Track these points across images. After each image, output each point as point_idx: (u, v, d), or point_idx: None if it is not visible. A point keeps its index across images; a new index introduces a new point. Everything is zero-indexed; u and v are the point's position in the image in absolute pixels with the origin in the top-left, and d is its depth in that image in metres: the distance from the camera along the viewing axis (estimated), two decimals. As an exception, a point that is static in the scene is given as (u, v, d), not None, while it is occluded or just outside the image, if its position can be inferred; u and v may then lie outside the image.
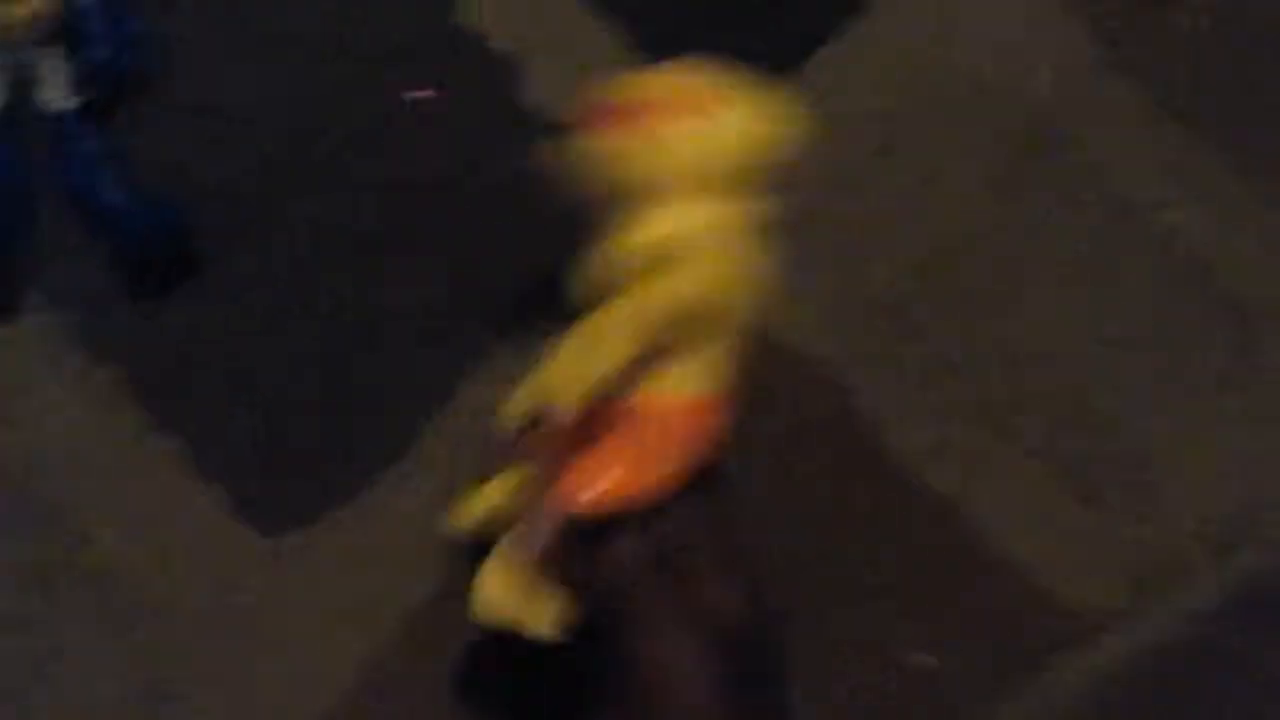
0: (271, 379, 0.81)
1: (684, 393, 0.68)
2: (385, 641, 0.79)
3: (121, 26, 0.81)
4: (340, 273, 0.82)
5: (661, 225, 0.67)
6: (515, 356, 0.80)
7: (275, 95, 0.84)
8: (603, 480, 0.67)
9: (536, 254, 0.82)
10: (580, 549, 0.65)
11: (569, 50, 0.85)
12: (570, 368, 0.67)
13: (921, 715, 0.79)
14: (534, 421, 0.71)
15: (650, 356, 0.67)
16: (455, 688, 0.78)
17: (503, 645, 0.71)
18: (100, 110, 0.81)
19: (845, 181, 0.84)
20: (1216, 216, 0.84)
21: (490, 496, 0.74)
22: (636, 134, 0.67)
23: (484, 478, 0.75)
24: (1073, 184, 0.85)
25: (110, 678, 0.78)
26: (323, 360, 0.81)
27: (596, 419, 0.68)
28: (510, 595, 0.68)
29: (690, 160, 0.67)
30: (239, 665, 0.79)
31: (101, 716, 0.78)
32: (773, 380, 0.81)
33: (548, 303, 0.74)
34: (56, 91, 0.80)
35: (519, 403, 0.72)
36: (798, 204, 0.83)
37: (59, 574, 0.78)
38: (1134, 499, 0.81)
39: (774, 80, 0.83)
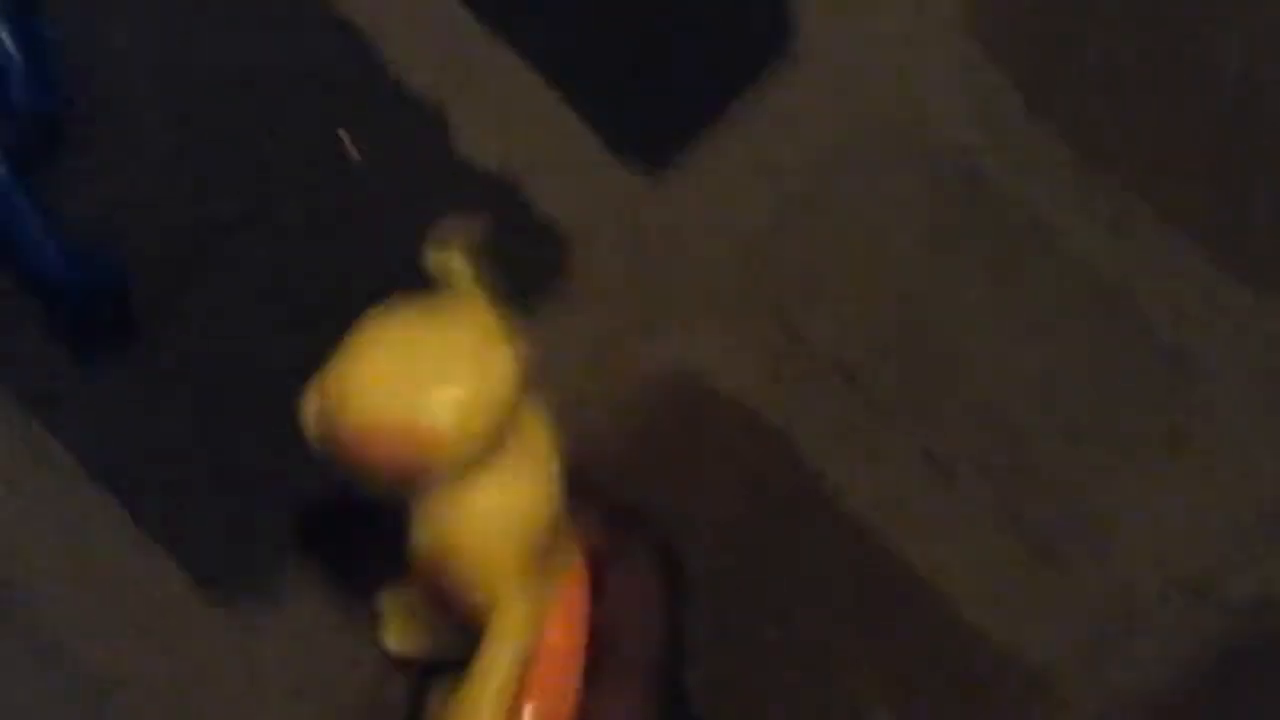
0: (224, 444, 0.80)
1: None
2: (346, 714, 0.78)
3: (40, 74, 0.80)
4: (287, 329, 0.81)
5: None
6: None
7: (203, 144, 0.83)
8: None
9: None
10: None
11: (492, 95, 0.85)
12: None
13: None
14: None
15: None
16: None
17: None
18: (22, 159, 0.79)
19: (779, 229, 0.84)
20: (1153, 268, 0.84)
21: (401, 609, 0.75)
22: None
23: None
24: (1008, 235, 0.84)
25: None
26: (275, 422, 0.79)
27: None
28: None
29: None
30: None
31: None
32: (717, 441, 0.81)
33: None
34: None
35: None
36: (732, 255, 0.83)
37: (12, 649, 0.77)
38: (1091, 558, 0.81)
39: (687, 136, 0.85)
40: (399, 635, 0.74)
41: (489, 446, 0.63)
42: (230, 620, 0.78)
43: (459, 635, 0.71)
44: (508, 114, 0.85)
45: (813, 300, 0.83)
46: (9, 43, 0.79)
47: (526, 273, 0.81)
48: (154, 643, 0.78)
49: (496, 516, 0.64)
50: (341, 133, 0.83)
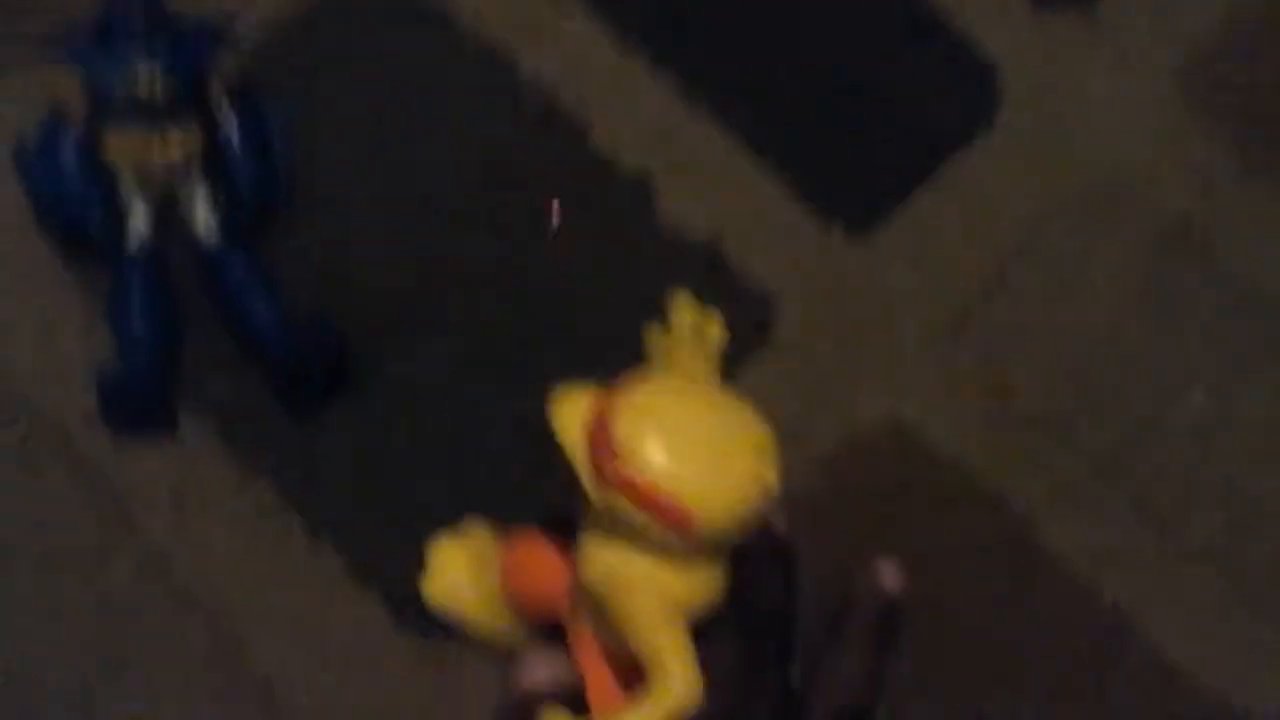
0: (431, 487, 0.81)
1: None
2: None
3: (266, 160, 0.84)
4: (493, 382, 0.83)
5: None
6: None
7: (420, 219, 0.86)
8: None
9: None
10: None
11: (697, 168, 0.87)
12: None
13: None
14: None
15: None
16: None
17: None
18: (244, 239, 0.83)
19: (987, 288, 0.85)
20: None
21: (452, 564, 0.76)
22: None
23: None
24: (1215, 288, 0.85)
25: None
26: (483, 469, 0.81)
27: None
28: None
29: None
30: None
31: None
32: (927, 491, 0.81)
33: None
34: (203, 223, 0.82)
35: None
36: (941, 312, 0.84)
37: (222, 681, 0.78)
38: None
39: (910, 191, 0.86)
40: (441, 588, 0.76)
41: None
42: (426, 652, 0.79)
43: (498, 612, 0.74)
44: (714, 184, 0.87)
45: (1024, 356, 0.84)
46: (236, 140, 0.83)
47: (736, 334, 0.82)
48: (355, 674, 0.79)
49: (664, 590, 0.63)
50: (554, 204, 0.86)
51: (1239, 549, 0.81)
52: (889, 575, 0.70)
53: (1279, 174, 0.86)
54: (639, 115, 0.87)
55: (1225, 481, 0.82)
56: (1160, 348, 0.84)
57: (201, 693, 0.78)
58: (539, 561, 0.71)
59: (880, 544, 0.78)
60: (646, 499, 0.61)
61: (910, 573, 0.71)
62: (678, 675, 0.60)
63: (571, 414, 0.63)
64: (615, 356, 0.77)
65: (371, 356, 0.83)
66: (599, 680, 0.66)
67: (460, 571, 0.77)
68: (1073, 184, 0.86)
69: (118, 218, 0.81)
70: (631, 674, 0.63)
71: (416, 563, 0.78)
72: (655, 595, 0.63)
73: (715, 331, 0.74)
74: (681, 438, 0.61)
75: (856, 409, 0.83)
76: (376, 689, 0.78)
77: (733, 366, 0.81)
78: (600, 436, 0.62)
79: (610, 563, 0.64)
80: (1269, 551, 0.81)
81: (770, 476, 0.62)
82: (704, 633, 0.63)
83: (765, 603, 0.67)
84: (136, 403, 0.81)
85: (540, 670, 0.67)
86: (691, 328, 0.75)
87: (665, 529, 0.61)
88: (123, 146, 0.81)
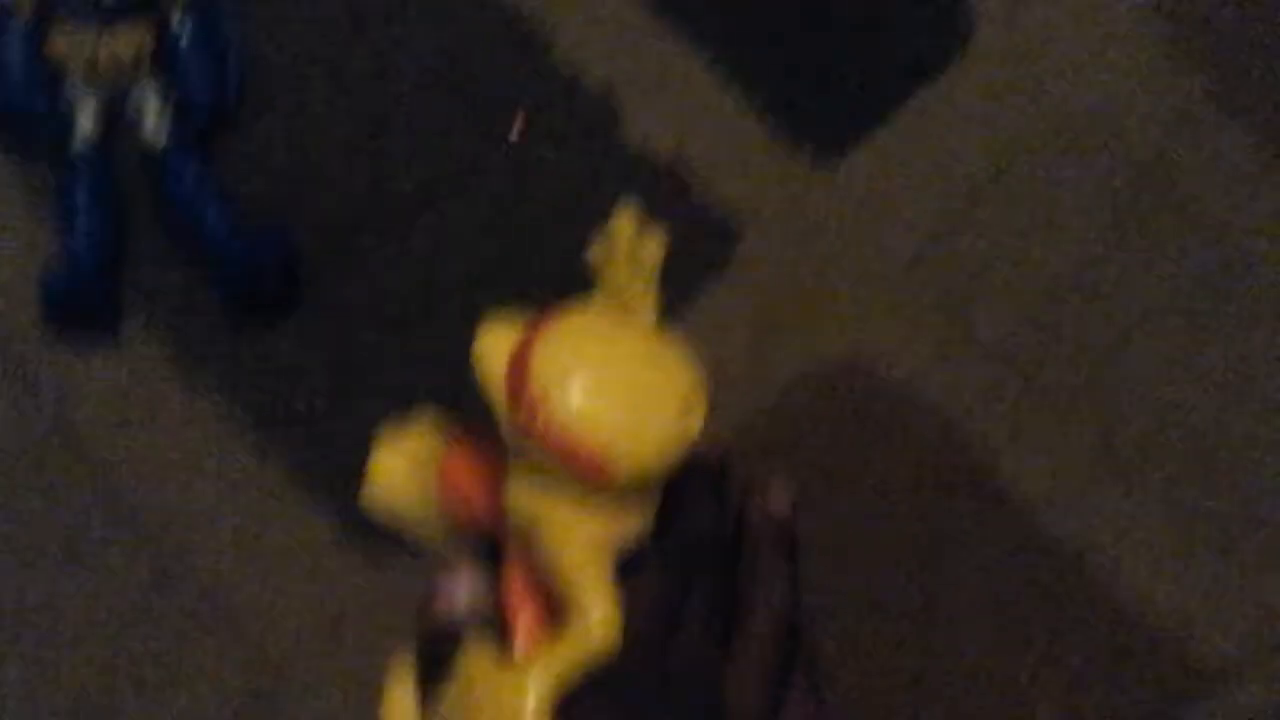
0: (377, 407, 0.79)
1: None
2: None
3: (219, 64, 0.82)
4: (445, 303, 0.82)
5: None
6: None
7: (378, 128, 0.84)
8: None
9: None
10: None
11: (664, 87, 0.85)
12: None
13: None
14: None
15: None
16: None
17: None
18: (196, 144, 0.81)
19: (952, 222, 0.84)
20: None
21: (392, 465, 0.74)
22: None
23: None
24: (1183, 226, 0.84)
25: (211, 685, 0.78)
26: (430, 392, 0.79)
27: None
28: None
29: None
30: (336, 675, 0.78)
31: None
32: (883, 422, 0.81)
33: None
34: (154, 126, 0.80)
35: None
36: (903, 245, 0.83)
37: (166, 589, 0.78)
38: (1265, 549, 0.80)
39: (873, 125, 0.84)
40: (378, 494, 0.75)
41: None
42: (368, 562, 0.79)
43: (435, 521, 0.71)
44: (680, 104, 0.85)
45: (988, 292, 0.83)
46: (188, 41, 0.81)
47: (698, 257, 0.81)
48: (297, 585, 0.78)
49: (586, 529, 0.61)
50: (521, 114, 0.84)
51: (1200, 489, 0.81)
52: (777, 494, 0.70)
53: (1250, 113, 0.85)
54: (607, 27, 0.85)
55: (1189, 421, 0.81)
56: (1127, 287, 0.83)
57: (147, 608, 0.78)
58: (471, 474, 0.69)
59: (832, 476, 0.79)
60: (561, 445, 0.59)
61: (797, 494, 0.68)
62: (596, 617, 0.59)
63: (495, 349, 0.61)
64: (573, 276, 0.76)
65: (323, 268, 0.81)
66: (523, 608, 0.65)
67: (399, 477, 0.75)
68: (1043, 118, 0.85)
69: (64, 116, 0.79)
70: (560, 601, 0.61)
71: (360, 474, 0.77)
72: (577, 534, 0.61)
73: (654, 247, 0.73)
74: (601, 382, 0.59)
75: (815, 338, 0.82)
76: (318, 600, 0.78)
77: (692, 291, 0.81)
78: (518, 376, 0.59)
79: (531, 499, 0.62)
80: (1230, 491, 0.81)
81: (695, 424, 0.60)
82: (630, 561, 0.62)
83: (694, 526, 0.66)
84: (80, 306, 0.80)
85: (459, 596, 0.66)
86: (629, 242, 0.73)
87: (581, 475, 0.59)
88: (71, 43, 0.79)
